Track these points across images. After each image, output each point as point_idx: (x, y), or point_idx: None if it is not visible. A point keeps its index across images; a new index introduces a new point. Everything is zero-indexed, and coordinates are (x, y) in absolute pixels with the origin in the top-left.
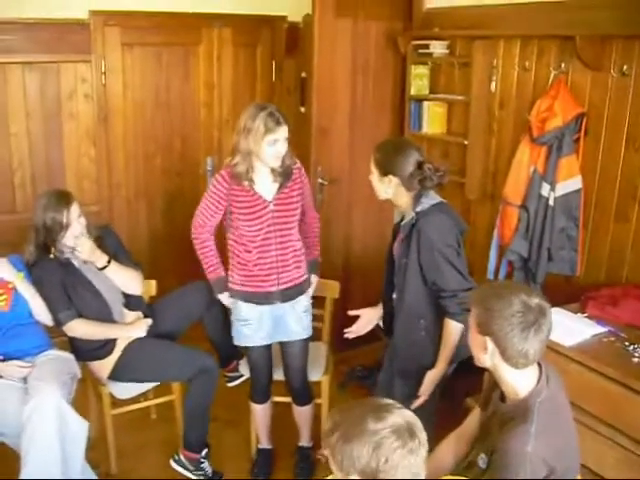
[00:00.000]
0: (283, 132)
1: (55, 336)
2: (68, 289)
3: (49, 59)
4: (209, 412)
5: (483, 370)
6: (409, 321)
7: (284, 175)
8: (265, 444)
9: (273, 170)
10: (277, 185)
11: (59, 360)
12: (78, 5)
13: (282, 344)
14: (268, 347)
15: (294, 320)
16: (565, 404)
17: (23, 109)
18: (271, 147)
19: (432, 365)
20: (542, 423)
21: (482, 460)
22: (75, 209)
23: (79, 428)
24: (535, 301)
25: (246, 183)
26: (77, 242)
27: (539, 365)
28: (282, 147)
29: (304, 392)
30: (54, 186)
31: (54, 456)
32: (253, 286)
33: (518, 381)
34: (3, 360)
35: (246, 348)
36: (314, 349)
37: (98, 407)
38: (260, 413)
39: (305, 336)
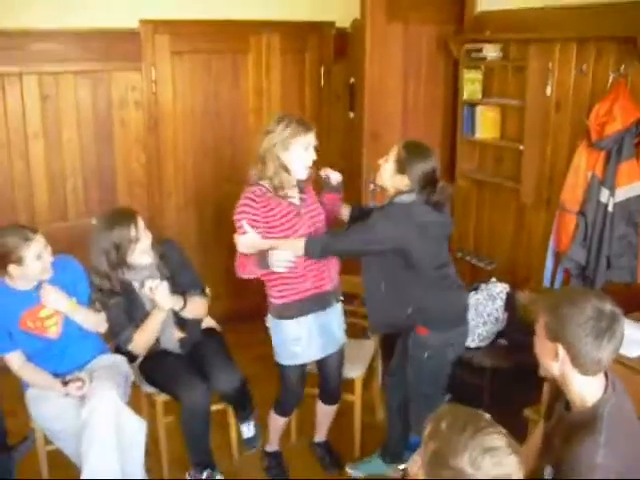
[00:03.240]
0: (313, 137)
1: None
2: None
3: (100, 68)
4: (204, 434)
5: (540, 380)
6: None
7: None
8: (275, 447)
9: (290, 188)
10: (297, 189)
11: (112, 363)
12: (129, 14)
13: None
14: (307, 364)
15: (337, 326)
16: (632, 413)
17: (75, 117)
18: (304, 152)
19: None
20: (611, 432)
21: (548, 472)
22: (141, 222)
23: (137, 426)
24: (608, 307)
25: (281, 194)
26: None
27: (605, 373)
28: (312, 154)
29: (336, 392)
30: (105, 193)
31: (112, 457)
32: (313, 289)
33: (586, 389)
34: (63, 380)
35: (285, 369)
36: (358, 347)
37: (151, 414)
38: (282, 423)
39: (344, 340)
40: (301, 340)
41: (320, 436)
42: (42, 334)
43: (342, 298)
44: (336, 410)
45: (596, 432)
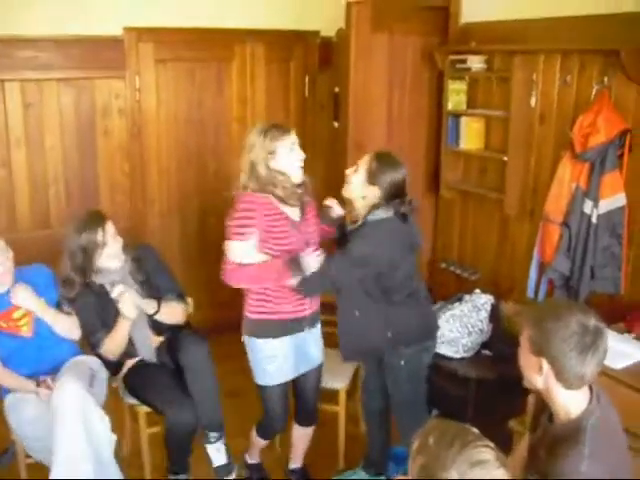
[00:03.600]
0: (294, 137)
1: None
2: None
3: (84, 75)
4: (188, 447)
5: (525, 391)
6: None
7: (301, 200)
8: (256, 460)
9: (292, 194)
10: (298, 207)
11: (79, 361)
12: (112, 22)
13: None
14: (286, 384)
15: (313, 345)
16: (617, 425)
17: (58, 124)
18: (291, 153)
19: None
20: (595, 444)
21: None
22: (110, 227)
23: (102, 419)
24: (592, 322)
25: (282, 205)
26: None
27: (590, 386)
28: (300, 152)
29: (313, 414)
30: (88, 201)
31: (81, 439)
32: (289, 312)
33: (570, 402)
34: (37, 380)
35: (264, 390)
36: (333, 357)
37: (133, 427)
38: (263, 444)
39: (322, 360)
40: (276, 359)
41: (296, 462)
42: (15, 333)
43: (320, 320)
44: (312, 434)
45: (580, 444)
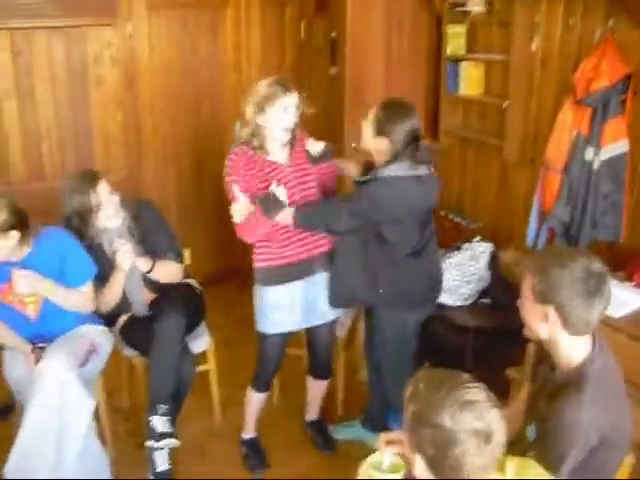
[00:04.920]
0: (293, 98)
1: None
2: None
3: (74, 23)
4: (173, 367)
5: (524, 340)
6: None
7: (291, 140)
8: (252, 434)
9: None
10: (287, 149)
11: (79, 334)
12: None
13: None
14: (288, 334)
15: (325, 301)
16: (617, 373)
17: (49, 75)
18: (282, 114)
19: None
20: (596, 390)
21: (531, 430)
22: (103, 188)
23: (82, 403)
24: (596, 266)
25: (263, 154)
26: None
27: (592, 333)
28: (292, 116)
29: (327, 367)
30: (82, 151)
31: (49, 423)
32: (293, 255)
33: (573, 349)
34: (35, 346)
35: (262, 338)
36: None
37: (132, 378)
38: (257, 401)
39: (335, 316)
40: (282, 308)
41: (312, 415)
42: (21, 309)
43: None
44: (327, 386)
45: (581, 390)
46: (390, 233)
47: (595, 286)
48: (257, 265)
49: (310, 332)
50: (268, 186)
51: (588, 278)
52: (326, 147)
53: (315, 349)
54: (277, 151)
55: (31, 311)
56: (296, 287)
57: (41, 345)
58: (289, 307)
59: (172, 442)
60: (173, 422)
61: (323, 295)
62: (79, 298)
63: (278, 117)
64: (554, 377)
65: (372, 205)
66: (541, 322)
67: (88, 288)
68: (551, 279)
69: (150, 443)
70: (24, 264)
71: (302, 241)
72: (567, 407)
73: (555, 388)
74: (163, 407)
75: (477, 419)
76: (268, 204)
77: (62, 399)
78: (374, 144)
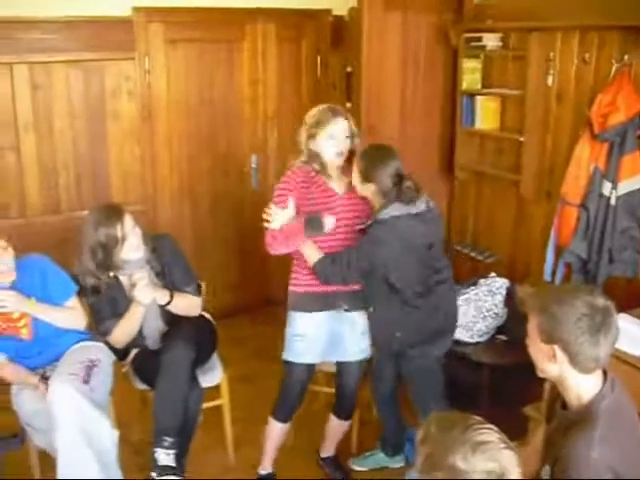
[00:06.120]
0: (341, 124)
1: None
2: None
3: (93, 57)
4: (180, 397)
5: (541, 377)
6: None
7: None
8: (269, 469)
9: (330, 169)
10: (346, 179)
11: (78, 351)
12: (121, 2)
13: (338, 362)
14: (313, 366)
15: (352, 341)
16: (631, 411)
17: (67, 108)
18: (330, 140)
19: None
20: (607, 428)
21: (545, 472)
22: (128, 220)
23: (100, 423)
24: (600, 300)
25: (323, 178)
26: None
27: (603, 370)
28: (341, 142)
29: (350, 407)
30: (98, 185)
31: (82, 450)
32: (317, 286)
33: (583, 386)
34: (43, 374)
35: (286, 366)
36: None
37: (143, 411)
38: (278, 432)
39: (363, 357)
40: (307, 337)
41: (328, 451)
42: (15, 334)
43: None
44: (348, 426)
45: (591, 428)
46: (394, 275)
47: (601, 321)
48: (289, 289)
49: (338, 371)
50: (319, 209)
51: (593, 314)
52: None
53: (343, 388)
54: (337, 178)
55: (25, 334)
56: (321, 318)
57: (48, 374)
58: (314, 337)
59: (174, 479)
60: (179, 457)
61: (350, 333)
62: (67, 312)
63: (327, 143)
64: (566, 415)
65: (373, 246)
66: (549, 361)
67: (74, 303)
68: (555, 318)
69: (153, 475)
70: (8, 287)
71: None
72: (577, 446)
73: (568, 426)
74: (169, 440)
75: (490, 460)
76: (312, 225)
77: (83, 423)
78: (365, 191)
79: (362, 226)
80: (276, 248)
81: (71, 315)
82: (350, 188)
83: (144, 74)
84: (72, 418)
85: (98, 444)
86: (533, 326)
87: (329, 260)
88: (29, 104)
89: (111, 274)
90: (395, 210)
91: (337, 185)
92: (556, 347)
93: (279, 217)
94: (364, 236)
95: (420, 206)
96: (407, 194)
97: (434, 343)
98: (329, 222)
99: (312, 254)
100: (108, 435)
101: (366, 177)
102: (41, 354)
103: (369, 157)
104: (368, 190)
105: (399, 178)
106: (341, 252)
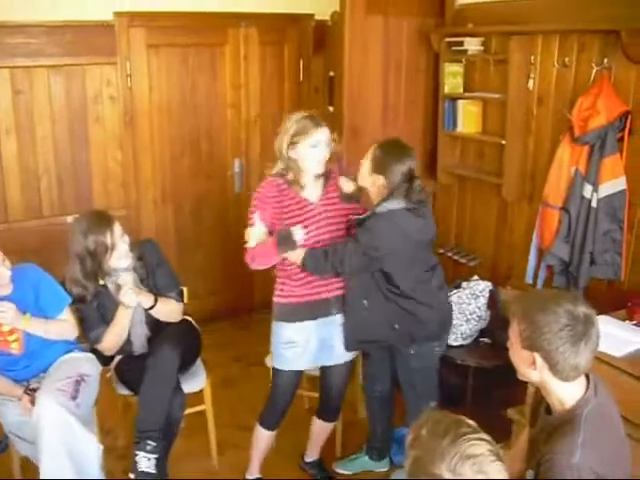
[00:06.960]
0: (323, 134)
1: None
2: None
3: (74, 62)
4: (164, 398)
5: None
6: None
7: (325, 176)
8: (256, 474)
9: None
10: (320, 186)
11: (66, 363)
12: (103, 7)
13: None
14: (301, 372)
15: (340, 343)
16: (614, 414)
17: (49, 113)
18: (312, 150)
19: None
20: (589, 433)
21: (530, 475)
22: (117, 228)
23: (85, 441)
24: (582, 310)
25: (296, 189)
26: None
27: (586, 375)
28: (322, 151)
29: (336, 410)
30: (81, 189)
31: (62, 462)
32: (310, 294)
33: (565, 392)
34: (28, 386)
35: (275, 374)
36: None
37: (127, 417)
38: (266, 440)
39: (350, 358)
40: (294, 345)
41: (312, 455)
42: (5, 349)
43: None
44: (331, 429)
45: (574, 432)
46: (391, 268)
47: (582, 331)
48: (275, 300)
49: (324, 374)
50: (295, 222)
51: (574, 324)
52: (355, 190)
53: (328, 391)
54: (310, 186)
55: (15, 349)
56: (311, 326)
57: (33, 386)
58: (303, 345)
59: None
60: (159, 462)
61: (338, 336)
62: (60, 326)
63: (309, 151)
64: (550, 420)
65: (371, 239)
66: (528, 367)
67: (67, 315)
68: (536, 326)
69: (132, 476)
70: (5, 299)
71: (318, 281)
72: (559, 451)
73: (551, 430)
74: (151, 444)
75: (477, 473)
76: (283, 240)
77: (67, 436)
78: (371, 181)
79: (358, 219)
80: (256, 266)
81: (64, 327)
82: (324, 191)
83: (126, 79)
84: (57, 433)
85: (81, 459)
86: (515, 332)
87: (320, 253)
88: (10, 108)
89: (100, 282)
90: (393, 204)
91: (310, 193)
92: (536, 355)
93: (252, 235)
94: (360, 229)
95: (415, 195)
96: (416, 193)
97: (432, 337)
98: (298, 233)
99: (297, 255)
100: (93, 449)
101: (378, 168)
102: (28, 367)
103: (387, 150)
104: (374, 181)
105: (410, 177)
106: (334, 245)
